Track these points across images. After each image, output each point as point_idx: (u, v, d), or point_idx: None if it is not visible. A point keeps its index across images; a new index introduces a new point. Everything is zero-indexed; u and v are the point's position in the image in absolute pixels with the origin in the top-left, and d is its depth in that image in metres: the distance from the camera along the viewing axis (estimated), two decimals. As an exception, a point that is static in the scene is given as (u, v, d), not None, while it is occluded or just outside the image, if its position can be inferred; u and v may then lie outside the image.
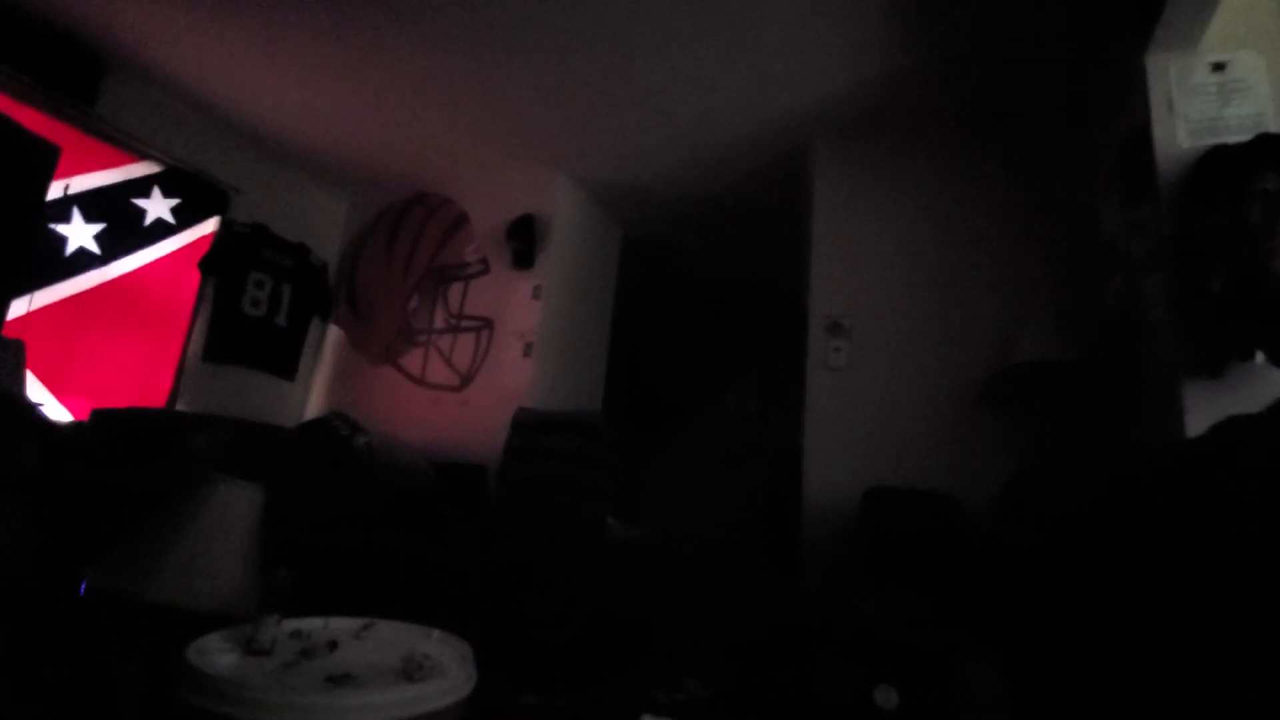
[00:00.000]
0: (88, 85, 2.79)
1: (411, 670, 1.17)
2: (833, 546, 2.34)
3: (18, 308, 2.60)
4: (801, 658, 1.24)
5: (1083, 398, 2.15)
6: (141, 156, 3.04)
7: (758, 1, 2.19)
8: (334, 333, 3.78)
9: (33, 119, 2.60)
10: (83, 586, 1.43)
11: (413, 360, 3.44)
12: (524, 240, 3.25)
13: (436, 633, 1.40)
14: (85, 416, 2.60)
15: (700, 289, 4.77)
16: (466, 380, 3.26)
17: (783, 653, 1.27)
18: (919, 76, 2.47)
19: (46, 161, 2.65)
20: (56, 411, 2.66)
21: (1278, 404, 0.97)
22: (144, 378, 3.07)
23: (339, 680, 1.11)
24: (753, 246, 4.03)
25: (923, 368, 2.46)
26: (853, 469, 2.39)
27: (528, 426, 2.53)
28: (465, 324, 3.36)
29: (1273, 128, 1.61)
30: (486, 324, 3.30)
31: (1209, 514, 0.96)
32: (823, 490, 2.45)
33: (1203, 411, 1.52)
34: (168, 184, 3.14)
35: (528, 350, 3.15)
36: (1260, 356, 1.51)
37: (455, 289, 3.45)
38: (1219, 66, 1.70)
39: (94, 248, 2.86)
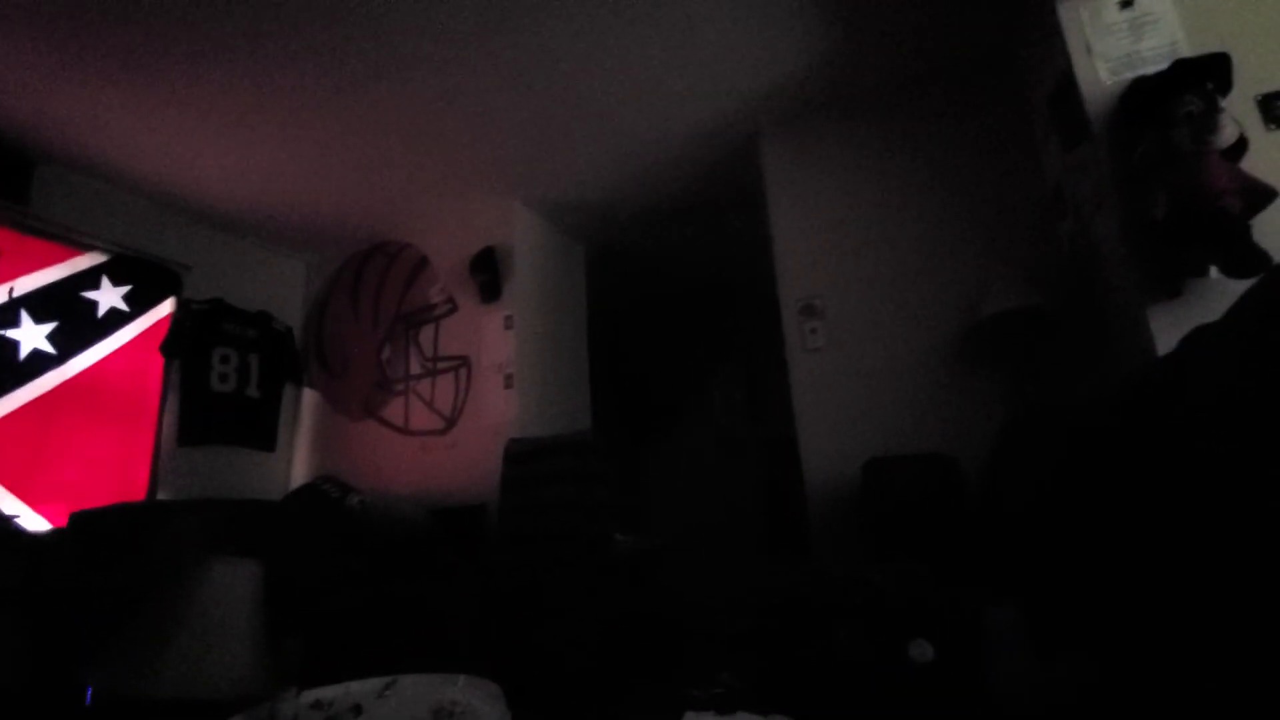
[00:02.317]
0: (18, 182, 2.73)
1: None
2: (837, 523, 2.36)
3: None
4: (826, 631, 1.24)
5: (1053, 340, 2.20)
6: (84, 249, 2.97)
7: (685, 6, 2.23)
8: (310, 396, 3.72)
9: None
10: (89, 694, 1.38)
11: (394, 410, 3.39)
12: (488, 272, 3.24)
13: (462, 678, 1.37)
14: (63, 521, 2.52)
15: (672, 289, 4.79)
16: (451, 422, 3.22)
17: (807, 631, 1.27)
18: (852, 55, 2.53)
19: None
20: (33, 521, 2.57)
21: (1231, 312, 1.00)
22: (120, 472, 2.98)
23: (369, 743, 1.08)
24: (717, 241, 4.06)
25: (898, 335, 2.49)
26: (847, 445, 2.40)
27: (521, 456, 2.51)
28: (442, 365, 3.33)
29: (1186, 54, 1.68)
30: (463, 362, 3.27)
31: (1184, 424, 0.99)
32: (822, 470, 2.47)
33: (1170, 330, 1.56)
34: (116, 272, 3.07)
35: (508, 382, 3.13)
36: (1213, 270, 1.56)
37: (426, 332, 3.42)
38: (1127, 3, 1.77)
39: (48, 348, 2.78)
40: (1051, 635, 1.17)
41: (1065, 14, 1.84)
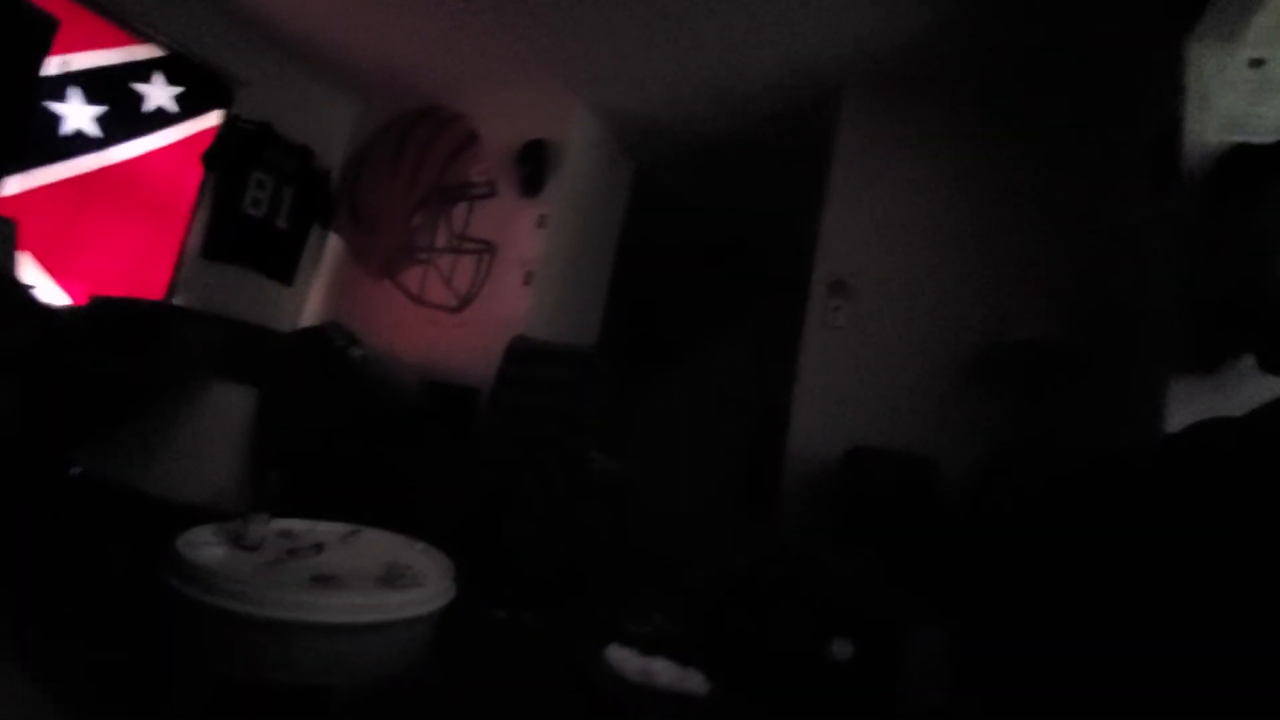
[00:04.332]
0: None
1: (394, 577, 1.23)
2: (810, 499, 2.42)
3: (12, 185, 2.55)
4: (765, 607, 1.30)
5: (1068, 381, 2.18)
6: (145, 39, 2.92)
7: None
8: (334, 241, 3.74)
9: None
10: (76, 469, 1.46)
11: (412, 278, 3.42)
12: (534, 166, 3.17)
13: (420, 544, 1.46)
14: (82, 300, 2.60)
15: (707, 233, 4.72)
16: (465, 302, 3.25)
17: (748, 600, 1.33)
18: (953, 32, 2.36)
19: (43, 34, 2.55)
20: (53, 294, 2.66)
21: (1257, 411, 0.99)
22: (142, 267, 3.06)
23: (322, 580, 1.17)
24: (764, 196, 3.96)
25: (919, 334, 2.47)
26: (837, 427, 2.43)
27: (522, 355, 2.55)
28: (467, 246, 3.32)
29: (1303, 130, 1.57)
30: (488, 248, 3.26)
31: (1181, 511, 1.00)
32: (805, 444, 2.51)
33: (1186, 406, 1.54)
34: (171, 70, 3.03)
35: (528, 279, 3.14)
36: (1249, 361, 1.52)
37: (459, 209, 3.39)
38: (1257, 63, 1.64)
39: (93, 130, 2.79)
40: (979, 663, 1.22)
41: (1194, 57, 1.70)
